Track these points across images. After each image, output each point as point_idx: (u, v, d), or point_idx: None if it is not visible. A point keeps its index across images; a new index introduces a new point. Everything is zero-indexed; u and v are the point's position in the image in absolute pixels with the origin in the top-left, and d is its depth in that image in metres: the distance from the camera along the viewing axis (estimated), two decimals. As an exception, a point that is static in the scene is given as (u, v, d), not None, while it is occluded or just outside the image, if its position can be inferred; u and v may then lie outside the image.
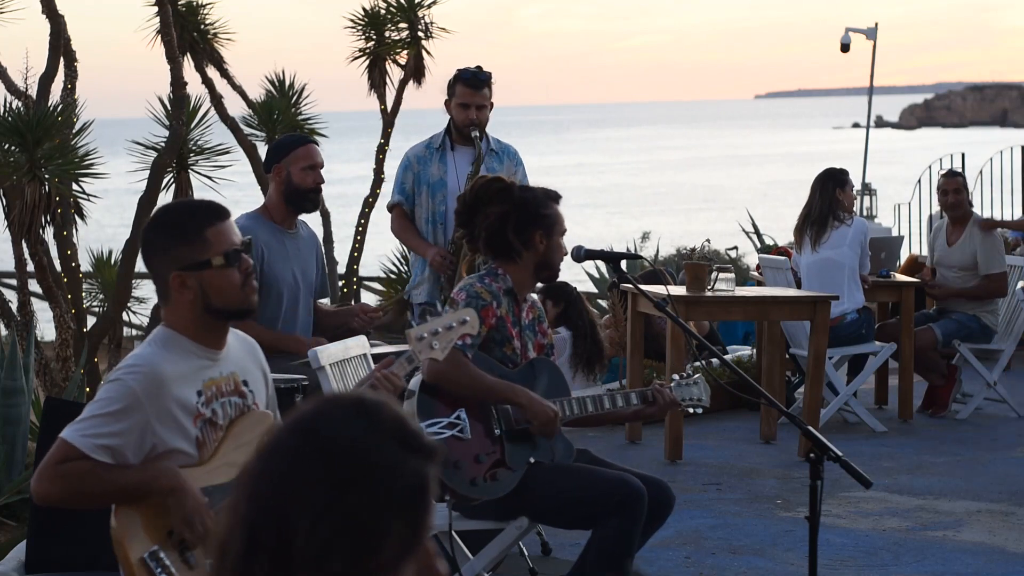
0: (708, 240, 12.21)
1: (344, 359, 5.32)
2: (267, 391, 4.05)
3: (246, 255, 3.82)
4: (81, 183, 8.12)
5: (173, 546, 3.68)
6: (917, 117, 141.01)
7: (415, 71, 10.35)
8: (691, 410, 5.30)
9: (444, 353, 4.23)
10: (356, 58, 10.46)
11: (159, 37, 8.92)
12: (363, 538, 1.88)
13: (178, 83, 8.63)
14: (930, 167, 15.87)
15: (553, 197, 5.24)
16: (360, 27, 10.44)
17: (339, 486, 1.89)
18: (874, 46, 17.42)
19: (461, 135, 7.23)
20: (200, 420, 3.76)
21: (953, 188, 9.78)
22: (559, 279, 9.63)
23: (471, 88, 7.18)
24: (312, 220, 6.75)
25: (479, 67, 7.27)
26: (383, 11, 10.34)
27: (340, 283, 11.00)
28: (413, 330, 4.22)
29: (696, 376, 5.32)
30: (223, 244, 3.77)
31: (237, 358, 3.93)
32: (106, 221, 35.37)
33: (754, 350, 9.86)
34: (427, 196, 7.23)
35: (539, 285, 5.53)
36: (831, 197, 9.27)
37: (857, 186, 16.47)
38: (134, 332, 13.31)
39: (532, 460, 5.03)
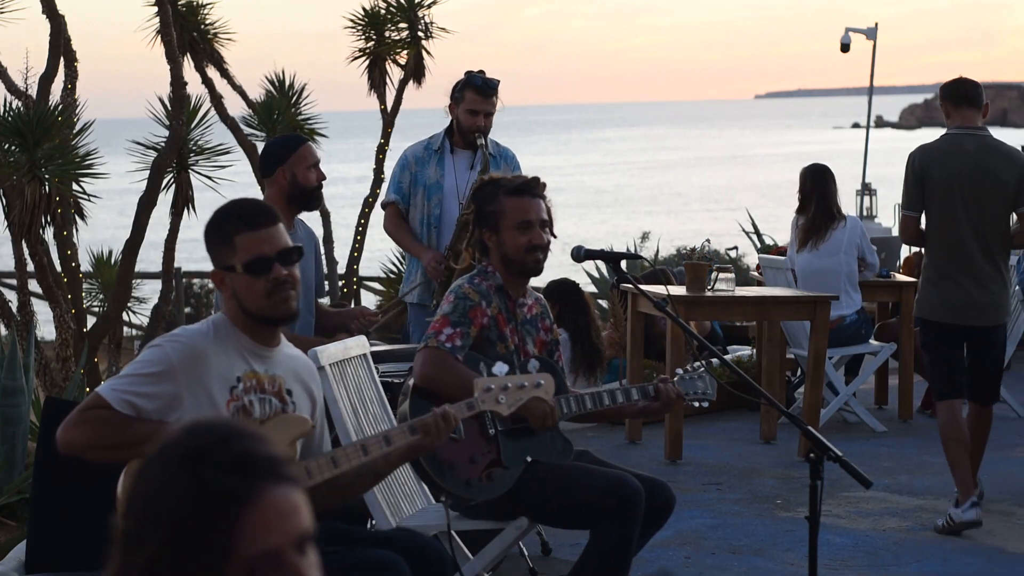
0: (708, 240, 12.22)
1: (344, 359, 5.32)
2: (314, 414, 4.02)
3: (283, 264, 3.84)
4: (81, 183, 8.12)
5: None
6: (917, 117, 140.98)
7: (415, 71, 10.35)
8: (696, 404, 5.22)
9: (510, 410, 4.18)
10: (356, 58, 10.47)
11: (159, 37, 8.92)
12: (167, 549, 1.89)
13: (178, 83, 8.63)
14: (930, 167, 15.85)
15: (510, 189, 5.14)
16: (360, 27, 10.44)
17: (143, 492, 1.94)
18: (874, 46, 17.41)
19: (464, 139, 7.20)
20: (234, 405, 3.82)
21: None
22: (561, 277, 9.70)
23: (482, 95, 7.13)
24: (312, 220, 6.74)
25: (482, 72, 7.25)
26: (383, 11, 10.34)
27: (340, 283, 10.99)
28: (481, 380, 4.17)
29: (701, 370, 5.22)
30: (247, 253, 3.83)
31: (288, 368, 3.97)
32: (106, 221, 35.38)
33: (754, 350, 9.86)
34: (423, 198, 7.20)
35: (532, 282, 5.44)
36: (834, 194, 9.28)
37: (857, 186, 16.47)
38: (134, 332, 13.33)
39: (529, 459, 5.01)
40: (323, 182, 6.33)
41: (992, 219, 6.83)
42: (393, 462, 4.02)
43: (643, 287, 5.47)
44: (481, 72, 7.23)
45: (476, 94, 7.14)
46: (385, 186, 7.45)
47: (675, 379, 5.17)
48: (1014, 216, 6.87)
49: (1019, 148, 7.19)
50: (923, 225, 7.00)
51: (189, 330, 3.88)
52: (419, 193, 7.21)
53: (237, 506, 1.88)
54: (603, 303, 12.59)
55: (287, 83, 10.49)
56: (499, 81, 7.21)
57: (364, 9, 10.40)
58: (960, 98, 6.83)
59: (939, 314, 6.91)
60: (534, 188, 5.17)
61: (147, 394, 3.74)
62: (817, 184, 9.27)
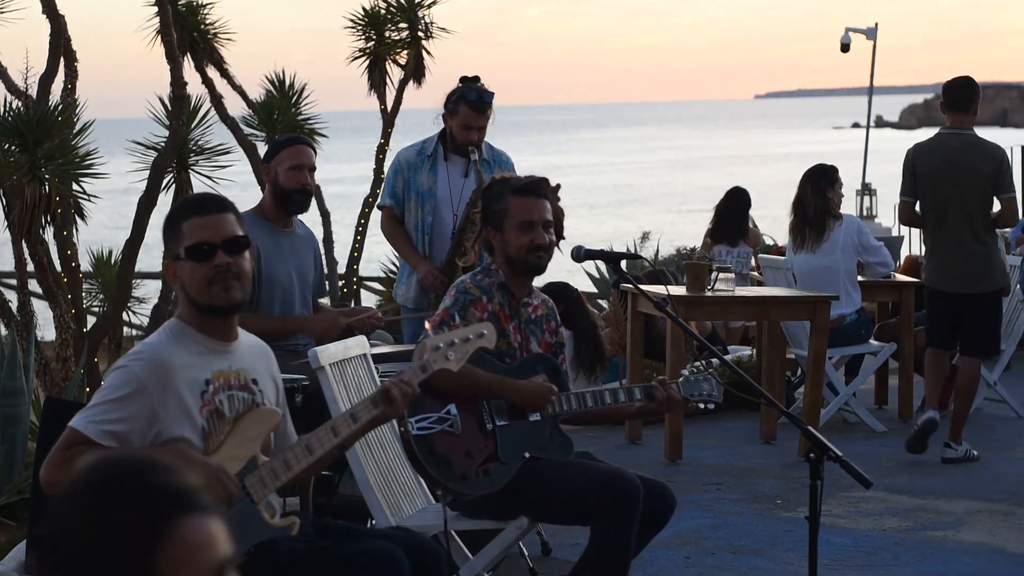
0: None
1: (344, 359, 5.32)
2: (277, 398, 4.05)
3: (228, 252, 3.83)
4: (81, 183, 8.12)
5: None
6: (917, 117, 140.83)
7: (415, 71, 10.35)
8: (702, 406, 5.21)
9: (459, 365, 4.21)
10: (356, 58, 10.46)
11: (159, 37, 8.91)
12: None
13: (178, 83, 8.62)
14: (930, 167, 15.84)
15: (516, 188, 5.16)
16: (360, 27, 10.43)
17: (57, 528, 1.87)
18: (874, 46, 17.42)
19: (457, 147, 7.18)
20: (207, 409, 3.80)
21: None
22: (559, 280, 9.71)
23: (476, 111, 7.06)
24: (312, 220, 6.73)
25: (477, 77, 7.20)
26: (383, 11, 10.33)
27: (340, 283, 10.99)
28: (429, 339, 4.20)
29: (708, 372, 5.22)
30: (192, 238, 3.83)
31: (248, 358, 3.97)
32: (106, 221, 35.37)
33: (754, 350, 9.87)
34: (416, 204, 7.19)
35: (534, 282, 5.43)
36: (824, 195, 9.28)
37: (857, 186, 16.49)
38: (134, 332, 13.32)
39: (527, 455, 5.01)
40: (306, 187, 6.27)
41: (974, 204, 8.14)
42: (356, 434, 4.06)
43: (643, 287, 5.47)
44: (476, 78, 7.17)
45: (470, 109, 7.07)
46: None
47: (680, 380, 5.17)
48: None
49: (998, 145, 8.43)
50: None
51: (149, 344, 3.84)
52: (412, 199, 7.20)
53: (150, 542, 1.81)
54: (603, 303, 12.59)
55: (287, 83, 10.48)
56: (493, 94, 7.13)
57: (364, 9, 10.39)
58: (951, 103, 8.20)
59: (935, 282, 8.30)
60: (540, 188, 5.18)
61: (123, 419, 3.70)
62: (801, 186, 9.39)
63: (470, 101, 7.08)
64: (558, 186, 5.34)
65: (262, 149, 10.05)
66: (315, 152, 6.46)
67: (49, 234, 8.25)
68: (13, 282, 10.14)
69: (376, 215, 9.76)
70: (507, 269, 5.17)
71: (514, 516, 5.03)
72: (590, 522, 4.88)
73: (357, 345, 5.48)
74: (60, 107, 8.29)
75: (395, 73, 10.53)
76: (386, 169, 9.01)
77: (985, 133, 8.40)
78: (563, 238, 5.28)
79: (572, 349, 9.21)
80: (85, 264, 9.38)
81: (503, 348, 5.11)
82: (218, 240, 3.83)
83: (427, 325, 5.05)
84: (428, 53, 10.31)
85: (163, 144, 8.54)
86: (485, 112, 7.10)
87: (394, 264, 13.03)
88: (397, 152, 7.36)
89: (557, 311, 9.36)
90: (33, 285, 9.00)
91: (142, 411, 3.71)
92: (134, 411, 3.70)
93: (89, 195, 8.30)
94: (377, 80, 10.48)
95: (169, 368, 3.75)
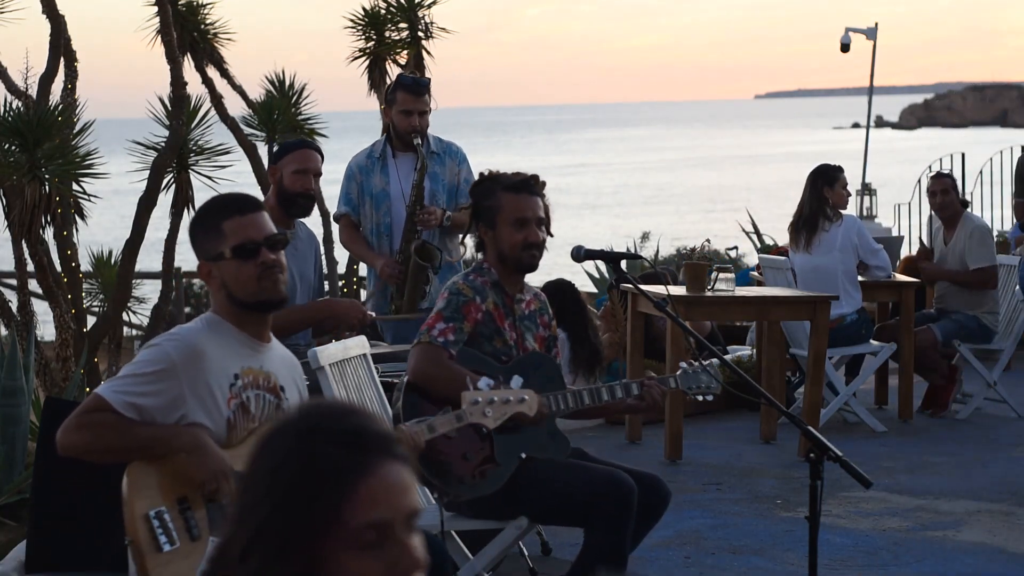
0: (708, 240, 12.21)
1: (344, 359, 5.32)
2: None
3: (271, 249, 3.89)
4: (81, 183, 8.13)
5: (180, 514, 3.72)
6: (917, 117, 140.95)
7: (415, 71, 10.35)
8: (700, 397, 5.23)
9: (496, 423, 4.34)
10: (356, 58, 10.46)
11: (159, 37, 8.92)
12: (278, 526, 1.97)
13: (178, 83, 8.63)
14: (930, 167, 15.87)
15: (508, 185, 5.12)
16: (360, 27, 10.43)
17: (258, 474, 2.03)
18: (874, 46, 17.42)
19: (402, 142, 7.20)
20: (234, 402, 3.83)
21: (940, 189, 9.76)
22: (557, 277, 9.70)
23: (412, 95, 7.11)
24: (312, 220, 6.73)
25: (414, 73, 7.27)
26: (383, 11, 10.33)
27: (340, 283, 10.99)
28: (469, 393, 4.32)
29: (707, 363, 5.22)
30: (237, 238, 3.88)
31: (278, 365, 4.00)
32: (106, 221, 35.38)
33: (754, 350, 9.86)
34: (371, 207, 7.21)
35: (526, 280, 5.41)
36: (819, 195, 9.27)
37: (857, 186, 16.49)
38: (134, 332, 13.33)
39: (523, 456, 5.01)
40: (310, 192, 6.25)
41: None
42: None
43: (643, 287, 5.47)
44: (413, 74, 7.23)
45: (407, 93, 7.12)
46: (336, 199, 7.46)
47: (678, 373, 5.18)
48: None
49: None
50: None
51: (185, 328, 3.90)
52: (367, 203, 7.22)
53: (347, 477, 1.95)
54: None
55: (287, 83, 10.48)
56: (430, 80, 7.23)
57: (364, 9, 10.39)
58: None
59: None
60: (532, 186, 5.15)
61: (149, 393, 3.74)
62: (805, 184, 9.40)
63: (406, 85, 7.15)
64: (543, 183, 5.28)
65: (262, 149, 10.06)
66: (322, 157, 6.43)
67: (49, 234, 8.26)
68: (13, 282, 10.14)
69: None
70: (499, 267, 5.15)
71: (513, 516, 5.04)
72: (586, 524, 4.88)
73: (357, 345, 5.49)
74: (60, 107, 8.30)
75: (395, 73, 10.52)
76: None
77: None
78: (551, 235, 5.25)
79: (570, 351, 9.20)
80: (85, 264, 9.39)
81: (499, 347, 5.12)
82: (261, 238, 3.90)
83: (423, 327, 5.05)
84: (428, 53, 10.31)
85: (163, 144, 8.54)
86: (422, 95, 7.13)
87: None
88: (349, 160, 7.39)
89: (554, 308, 9.36)
90: (33, 285, 9.01)
91: (168, 391, 3.75)
92: (161, 388, 3.74)
93: (89, 195, 8.31)
94: (377, 80, 10.48)
95: (202, 355, 3.79)
